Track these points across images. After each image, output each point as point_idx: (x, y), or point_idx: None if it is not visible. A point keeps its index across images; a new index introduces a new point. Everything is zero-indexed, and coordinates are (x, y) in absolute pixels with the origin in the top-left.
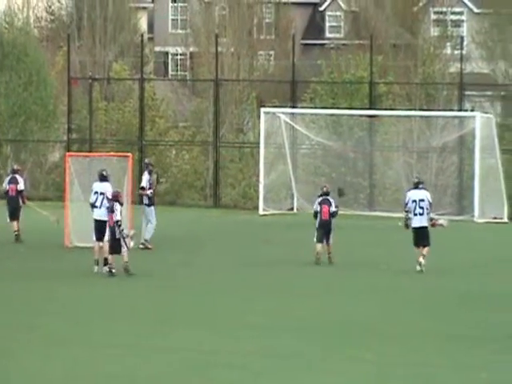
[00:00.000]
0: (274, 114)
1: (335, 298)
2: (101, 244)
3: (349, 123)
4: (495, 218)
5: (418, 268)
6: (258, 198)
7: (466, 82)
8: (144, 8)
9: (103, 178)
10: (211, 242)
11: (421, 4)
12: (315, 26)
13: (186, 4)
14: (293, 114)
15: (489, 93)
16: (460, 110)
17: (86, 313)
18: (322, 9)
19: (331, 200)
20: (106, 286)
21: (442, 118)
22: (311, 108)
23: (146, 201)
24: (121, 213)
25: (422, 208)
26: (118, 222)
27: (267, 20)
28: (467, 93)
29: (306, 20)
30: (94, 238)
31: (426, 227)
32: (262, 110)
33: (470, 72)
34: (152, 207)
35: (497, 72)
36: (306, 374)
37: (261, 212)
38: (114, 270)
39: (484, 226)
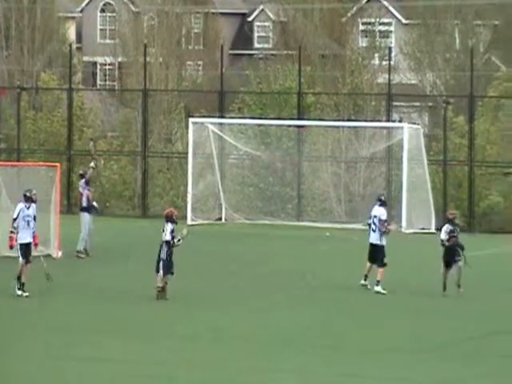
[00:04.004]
0: (202, 124)
1: (259, 309)
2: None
3: (277, 133)
4: (423, 229)
5: (363, 282)
6: (186, 207)
7: (393, 92)
8: (72, 18)
9: (28, 199)
10: (139, 252)
11: (349, 15)
12: (244, 37)
13: (114, 14)
14: (221, 124)
15: (417, 103)
16: (388, 121)
17: (18, 324)
18: (250, 19)
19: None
20: (32, 299)
21: (370, 129)
22: (239, 118)
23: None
24: (172, 232)
25: (375, 224)
26: (167, 242)
27: (196, 30)
28: (395, 103)
29: (234, 30)
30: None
31: (378, 245)
32: (191, 120)
33: (397, 83)
34: (86, 213)
35: (424, 83)
36: None
37: (189, 222)
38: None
39: (412, 237)
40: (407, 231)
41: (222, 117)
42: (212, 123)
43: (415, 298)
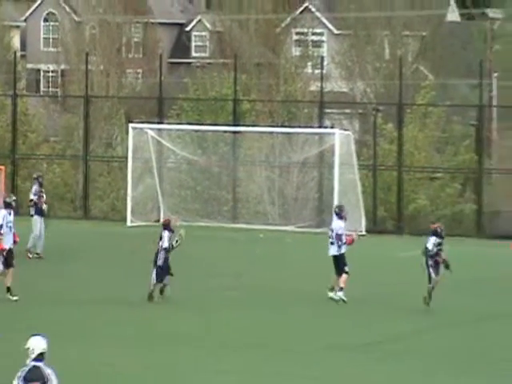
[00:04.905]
0: (141, 129)
1: (194, 309)
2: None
3: (213, 139)
4: (354, 231)
5: (330, 295)
6: (125, 210)
7: (325, 100)
8: (17, 27)
9: (8, 206)
10: (81, 253)
11: (283, 25)
12: (182, 46)
13: (57, 23)
14: (160, 129)
15: (347, 111)
16: (320, 127)
17: None
18: (188, 29)
19: None
20: None
21: (303, 135)
22: (177, 124)
23: (32, 211)
24: (169, 239)
25: (332, 238)
26: (165, 248)
27: (135, 39)
28: (327, 110)
29: (172, 40)
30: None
31: (336, 256)
32: (130, 125)
33: (329, 91)
34: (36, 217)
35: (355, 91)
36: None
37: (128, 223)
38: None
39: None
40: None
41: (161, 122)
42: (151, 129)
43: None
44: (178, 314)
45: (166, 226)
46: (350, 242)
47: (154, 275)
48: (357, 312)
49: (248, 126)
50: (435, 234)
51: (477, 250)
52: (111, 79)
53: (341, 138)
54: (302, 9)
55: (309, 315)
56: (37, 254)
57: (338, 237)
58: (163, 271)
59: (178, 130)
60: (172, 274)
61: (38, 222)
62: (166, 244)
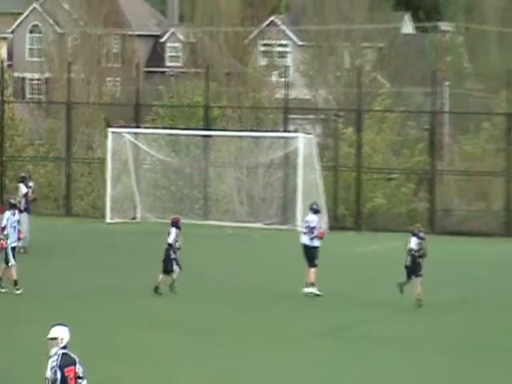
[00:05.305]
0: (119, 133)
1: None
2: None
3: (186, 142)
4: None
5: (305, 290)
6: (105, 207)
7: (290, 106)
8: (4, 38)
9: (12, 206)
10: (63, 248)
11: (251, 37)
12: (157, 56)
13: (41, 35)
14: (136, 133)
15: (310, 116)
16: (285, 131)
17: None
18: (162, 40)
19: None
20: None
21: (269, 138)
22: (153, 128)
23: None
24: (176, 236)
25: (304, 229)
26: (170, 244)
27: (114, 50)
28: (291, 116)
29: (148, 50)
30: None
31: (308, 246)
32: (109, 129)
33: (294, 98)
34: (25, 214)
35: (317, 98)
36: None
37: (108, 220)
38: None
39: None
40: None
41: (138, 127)
42: (128, 133)
43: (295, 288)
44: (146, 303)
45: (175, 223)
46: (321, 236)
47: (169, 268)
48: (306, 301)
49: (218, 130)
50: (415, 234)
51: (429, 245)
52: (92, 87)
53: (304, 142)
54: (268, 22)
55: (264, 303)
56: (23, 248)
57: (311, 229)
58: (170, 263)
59: (153, 134)
60: (181, 268)
61: (26, 219)
62: (171, 240)
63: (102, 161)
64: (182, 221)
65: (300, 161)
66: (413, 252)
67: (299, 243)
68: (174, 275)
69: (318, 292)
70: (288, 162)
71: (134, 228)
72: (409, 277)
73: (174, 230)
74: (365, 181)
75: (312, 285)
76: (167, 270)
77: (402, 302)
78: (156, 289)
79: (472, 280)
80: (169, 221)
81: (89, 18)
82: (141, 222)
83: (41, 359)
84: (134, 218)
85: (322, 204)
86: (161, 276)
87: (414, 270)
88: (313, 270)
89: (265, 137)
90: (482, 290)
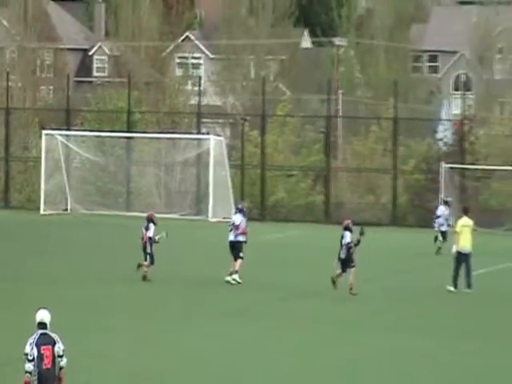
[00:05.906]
0: (52, 135)
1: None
2: None
3: (111, 143)
4: (224, 218)
5: (227, 278)
6: (39, 200)
7: (202, 111)
8: None
9: None
10: (2, 236)
11: (168, 51)
12: (85, 67)
13: None
14: (67, 135)
15: (220, 120)
16: (198, 134)
17: None
18: (90, 53)
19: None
20: None
21: (184, 140)
22: (82, 131)
23: None
24: (154, 231)
25: (231, 227)
26: (150, 238)
27: (47, 62)
28: (204, 120)
29: (77, 62)
30: None
31: (234, 242)
32: (43, 132)
33: (206, 104)
34: None
35: (227, 104)
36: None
37: (42, 212)
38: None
39: (215, 224)
40: (213, 220)
41: (68, 130)
42: (60, 135)
43: (208, 273)
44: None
45: (151, 219)
46: (244, 232)
47: (149, 260)
48: (234, 286)
49: (139, 132)
50: (347, 228)
51: (325, 233)
52: (28, 94)
53: (215, 143)
54: (183, 37)
55: (198, 288)
56: None
57: (236, 227)
58: (151, 256)
59: (82, 135)
60: (153, 263)
61: None
62: (151, 234)
63: (37, 159)
64: (107, 213)
65: (211, 160)
66: (350, 244)
67: (211, 233)
68: (145, 267)
69: (239, 280)
70: (201, 161)
71: (63, 219)
72: (343, 269)
73: (152, 226)
74: (268, 177)
75: (236, 272)
76: (152, 262)
77: (307, 284)
78: (144, 277)
79: (365, 264)
80: (95, 212)
81: (25, 34)
82: (71, 213)
83: None
84: (65, 210)
85: (230, 197)
86: (145, 266)
87: (347, 261)
88: (239, 261)
89: (180, 138)
90: (375, 273)
